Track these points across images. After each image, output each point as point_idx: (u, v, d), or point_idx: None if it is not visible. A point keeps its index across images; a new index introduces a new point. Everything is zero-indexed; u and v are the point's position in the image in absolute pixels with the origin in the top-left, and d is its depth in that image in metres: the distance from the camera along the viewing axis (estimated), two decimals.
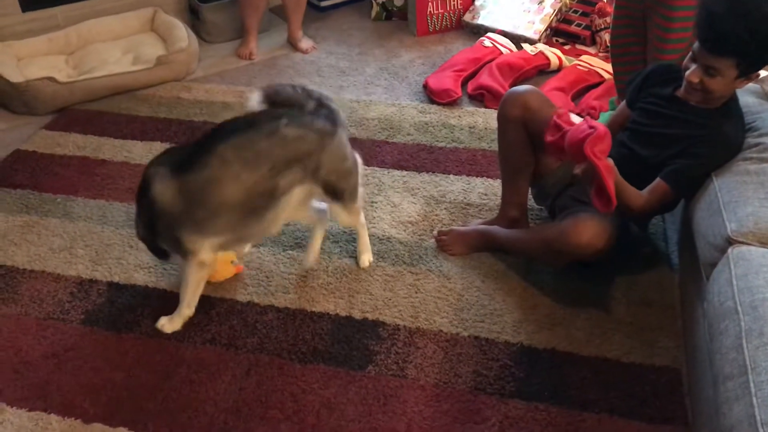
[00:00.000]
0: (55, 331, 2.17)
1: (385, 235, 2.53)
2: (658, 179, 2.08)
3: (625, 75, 2.79)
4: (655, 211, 2.20)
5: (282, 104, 2.08)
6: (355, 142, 3.06)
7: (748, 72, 1.94)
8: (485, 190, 2.75)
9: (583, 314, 2.19)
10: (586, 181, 2.00)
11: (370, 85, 3.58)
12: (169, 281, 2.35)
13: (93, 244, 2.52)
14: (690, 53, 2.00)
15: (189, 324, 2.19)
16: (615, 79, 3.01)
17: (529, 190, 2.50)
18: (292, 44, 3.99)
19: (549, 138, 2.04)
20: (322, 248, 2.47)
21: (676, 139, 2.08)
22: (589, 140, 1.90)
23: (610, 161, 1.97)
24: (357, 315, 2.21)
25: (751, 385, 1.38)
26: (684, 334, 2.08)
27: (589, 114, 3.16)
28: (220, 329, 2.17)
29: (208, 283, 2.24)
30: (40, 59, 3.58)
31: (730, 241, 1.74)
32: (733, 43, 1.87)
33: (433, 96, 3.40)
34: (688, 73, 2.00)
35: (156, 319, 2.20)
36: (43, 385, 2.00)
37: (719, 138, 2.01)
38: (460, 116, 3.25)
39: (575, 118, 2.14)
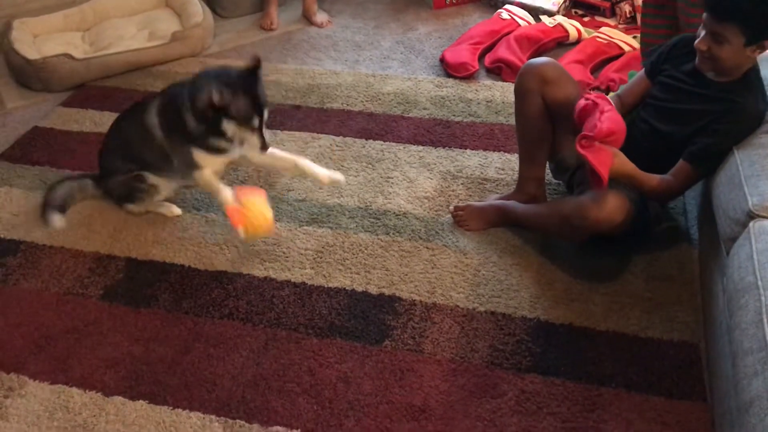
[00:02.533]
0: (74, 306, 2.20)
1: (401, 211, 2.52)
2: (681, 161, 2.06)
3: (653, 39, 2.71)
4: (681, 192, 2.17)
5: None
6: (370, 117, 3.05)
7: (756, 39, 1.91)
8: (502, 165, 2.73)
9: (601, 289, 2.18)
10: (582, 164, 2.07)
11: (386, 59, 3.55)
12: (187, 256, 2.37)
13: (111, 220, 2.54)
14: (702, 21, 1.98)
15: (207, 299, 2.20)
16: (642, 41, 2.93)
17: (547, 165, 2.48)
18: (307, 18, 3.97)
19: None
20: (338, 224, 2.47)
21: (697, 115, 2.05)
22: (579, 136, 2.00)
23: (612, 149, 2.01)
24: (373, 290, 2.21)
25: None
26: (703, 310, 2.06)
27: (608, 87, 3.11)
28: (238, 304, 2.18)
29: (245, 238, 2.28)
30: (56, 36, 3.59)
31: (752, 216, 1.72)
32: (734, 8, 1.86)
33: (449, 70, 3.37)
34: (697, 40, 1.98)
35: (174, 293, 2.23)
36: (64, 359, 2.03)
37: (740, 113, 1.98)
38: (477, 90, 3.22)
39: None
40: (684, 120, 2.08)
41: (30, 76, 3.33)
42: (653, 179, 2.08)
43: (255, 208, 2.22)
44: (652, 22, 2.80)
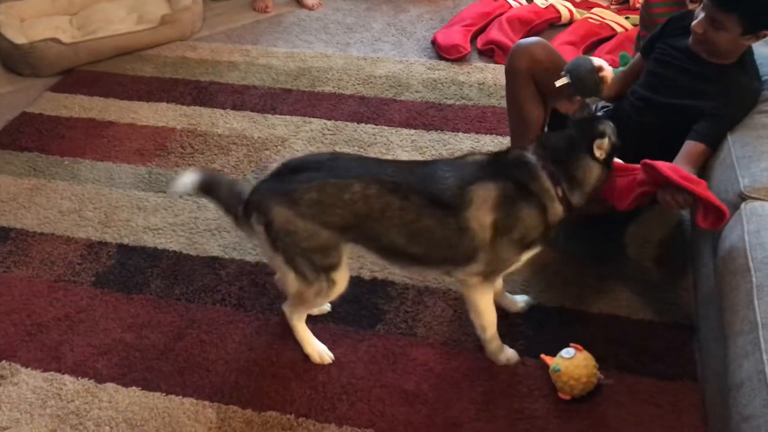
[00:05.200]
0: (66, 293, 2.19)
1: None
2: (694, 143, 1.97)
3: (661, 17, 2.63)
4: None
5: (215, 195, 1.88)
6: (362, 100, 3.04)
7: (754, 30, 1.89)
8: (495, 148, 2.72)
9: (593, 272, 2.18)
10: (680, 208, 1.84)
11: (377, 42, 3.53)
12: (179, 242, 2.36)
13: (101, 207, 2.52)
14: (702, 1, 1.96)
15: (199, 285, 2.19)
16: (645, 14, 2.85)
17: None
18: (298, 0, 3.93)
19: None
20: None
21: (690, 92, 2.04)
22: (669, 168, 1.75)
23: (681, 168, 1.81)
24: (366, 275, 2.21)
25: (762, 341, 1.37)
26: (694, 291, 2.06)
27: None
28: (230, 290, 2.18)
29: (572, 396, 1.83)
30: (43, 20, 3.54)
31: (743, 197, 1.72)
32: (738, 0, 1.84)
33: (441, 52, 3.35)
34: (694, 22, 1.97)
35: (166, 279, 2.21)
36: (56, 346, 2.02)
37: (736, 92, 1.97)
38: (469, 72, 3.20)
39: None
40: (676, 93, 2.07)
41: (17, 60, 3.30)
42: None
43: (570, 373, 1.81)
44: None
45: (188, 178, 1.84)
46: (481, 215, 1.71)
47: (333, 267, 1.80)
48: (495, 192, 1.72)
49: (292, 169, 1.81)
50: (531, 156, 1.78)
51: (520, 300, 2.08)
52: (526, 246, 1.79)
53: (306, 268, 1.78)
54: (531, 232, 1.76)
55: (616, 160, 1.90)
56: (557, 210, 1.78)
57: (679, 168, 1.77)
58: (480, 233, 1.73)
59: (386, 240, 1.77)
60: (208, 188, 1.87)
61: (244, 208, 1.81)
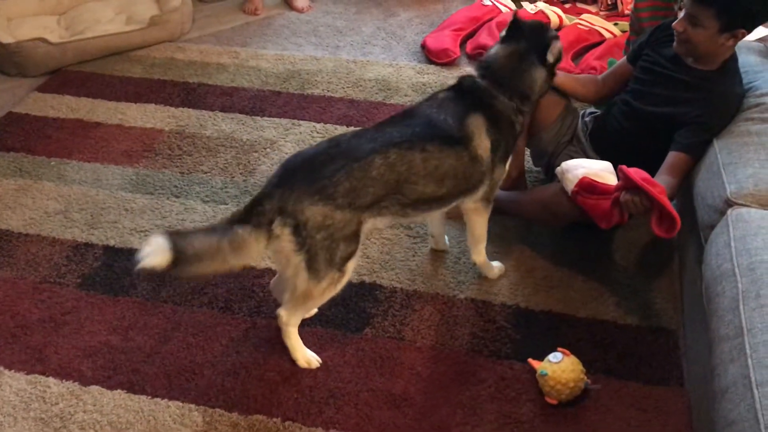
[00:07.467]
0: (51, 295, 2.17)
1: None
2: (676, 153, 2.01)
3: (648, 21, 2.65)
4: (681, 186, 2.07)
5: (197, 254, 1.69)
6: (351, 103, 3.03)
7: (730, 27, 1.91)
8: None
9: (580, 276, 2.19)
10: (638, 212, 1.89)
11: (367, 45, 3.53)
12: None
13: (88, 208, 2.50)
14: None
15: (186, 287, 2.18)
16: (634, 19, 2.83)
17: (527, 152, 2.48)
18: (288, 3, 3.92)
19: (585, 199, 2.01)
20: None
21: (675, 100, 2.06)
22: (634, 171, 1.85)
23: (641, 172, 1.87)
24: (354, 278, 2.19)
25: (747, 346, 1.38)
26: (681, 296, 2.07)
27: (589, 74, 3.11)
28: (217, 292, 2.16)
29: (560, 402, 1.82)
30: (31, 19, 3.52)
31: (730, 203, 1.73)
32: None
33: (431, 56, 3.35)
34: (675, 21, 2.00)
35: (152, 281, 2.20)
36: (40, 349, 2.00)
37: (719, 99, 1.99)
38: (458, 77, 3.20)
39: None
40: (658, 102, 2.10)
41: (4, 60, 3.27)
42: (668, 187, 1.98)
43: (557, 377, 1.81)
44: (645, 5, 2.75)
45: (155, 245, 1.62)
46: (483, 142, 1.93)
47: (352, 254, 1.85)
48: (483, 119, 1.93)
49: (296, 168, 1.80)
50: (482, 81, 1.98)
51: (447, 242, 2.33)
52: (507, 158, 2.04)
53: (323, 263, 1.79)
54: (510, 144, 2.02)
55: (601, 181, 1.97)
56: (520, 120, 2.01)
57: (643, 172, 1.86)
58: (485, 158, 1.95)
59: (416, 194, 1.89)
60: (182, 247, 1.66)
61: (254, 220, 1.73)
